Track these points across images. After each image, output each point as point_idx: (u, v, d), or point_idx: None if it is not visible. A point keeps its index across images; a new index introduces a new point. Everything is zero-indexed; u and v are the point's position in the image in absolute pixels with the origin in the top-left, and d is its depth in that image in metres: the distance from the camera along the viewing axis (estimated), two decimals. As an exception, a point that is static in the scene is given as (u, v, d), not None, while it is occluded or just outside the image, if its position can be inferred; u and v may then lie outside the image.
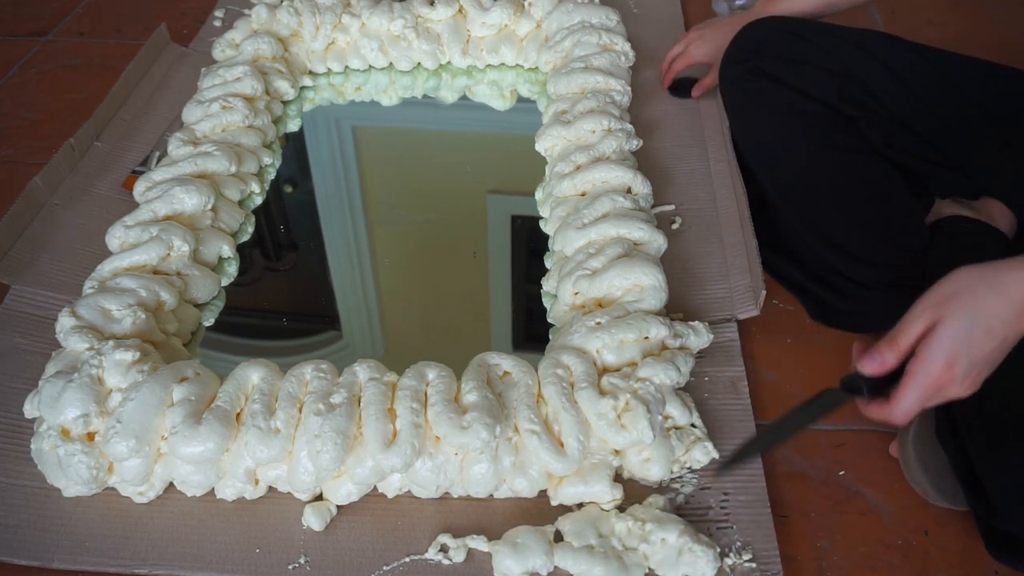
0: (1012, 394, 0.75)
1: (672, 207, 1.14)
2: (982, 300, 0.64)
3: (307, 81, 1.38)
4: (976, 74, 0.99)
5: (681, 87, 1.33)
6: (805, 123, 0.99)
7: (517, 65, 1.40)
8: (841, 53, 0.96)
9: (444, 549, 0.79)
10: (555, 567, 0.78)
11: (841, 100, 0.98)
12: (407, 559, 0.79)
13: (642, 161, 1.15)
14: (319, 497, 0.84)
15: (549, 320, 1.00)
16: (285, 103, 1.34)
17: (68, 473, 0.81)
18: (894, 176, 0.97)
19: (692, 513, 0.82)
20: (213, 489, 0.83)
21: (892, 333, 0.67)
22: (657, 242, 1.00)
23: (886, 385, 0.68)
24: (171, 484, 0.84)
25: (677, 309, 1.00)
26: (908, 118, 0.97)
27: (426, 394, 0.83)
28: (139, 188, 1.10)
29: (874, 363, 0.67)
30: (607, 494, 0.81)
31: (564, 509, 0.83)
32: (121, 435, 0.78)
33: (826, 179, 0.98)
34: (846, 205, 0.98)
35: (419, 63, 1.40)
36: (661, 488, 0.84)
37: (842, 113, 0.98)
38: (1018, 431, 0.74)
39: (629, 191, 1.06)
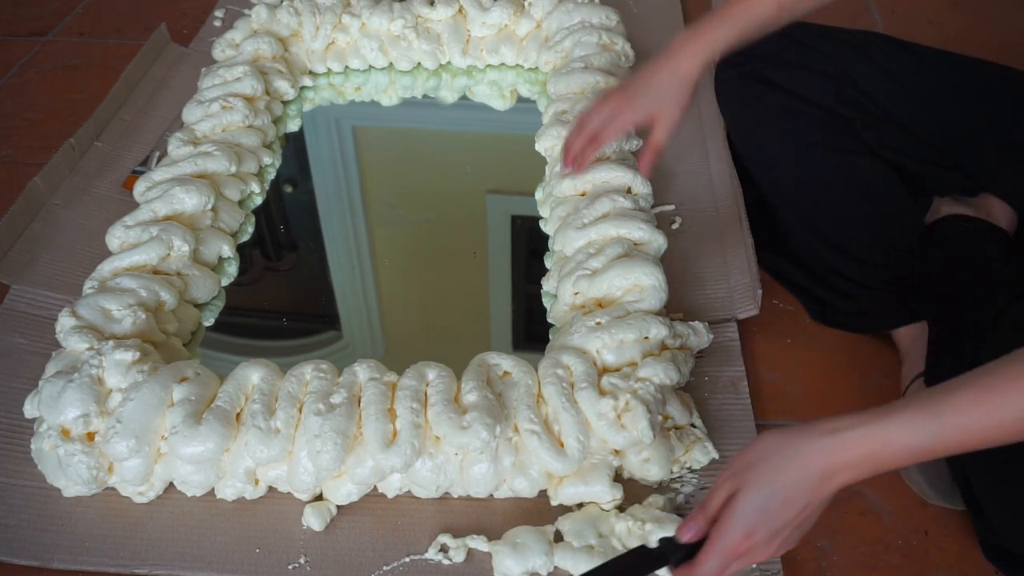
0: None
1: (672, 207, 1.14)
2: (779, 472, 0.63)
3: (307, 81, 1.38)
4: (973, 74, 0.99)
5: None
6: (801, 125, 0.99)
7: (517, 65, 1.40)
8: (837, 55, 0.96)
9: (444, 549, 0.79)
10: (555, 567, 0.78)
11: (837, 102, 0.98)
12: (407, 559, 0.79)
13: (642, 161, 1.15)
14: (319, 497, 0.84)
15: (549, 320, 1.00)
16: (285, 103, 1.34)
17: (68, 473, 0.81)
18: (891, 177, 0.97)
19: (692, 513, 0.82)
20: (213, 489, 0.83)
21: (703, 500, 0.67)
22: (657, 242, 1.00)
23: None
24: (171, 484, 0.84)
25: (677, 309, 1.00)
26: (905, 119, 0.97)
27: (426, 394, 0.83)
28: (139, 188, 1.10)
29: (688, 531, 0.67)
30: (607, 494, 0.81)
31: (564, 509, 0.83)
32: (121, 435, 0.78)
33: (823, 181, 0.98)
34: (844, 206, 0.98)
35: (419, 63, 1.40)
36: (661, 488, 0.84)
37: (839, 115, 0.98)
38: (1015, 452, 0.74)
39: (629, 191, 1.06)
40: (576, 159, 1.02)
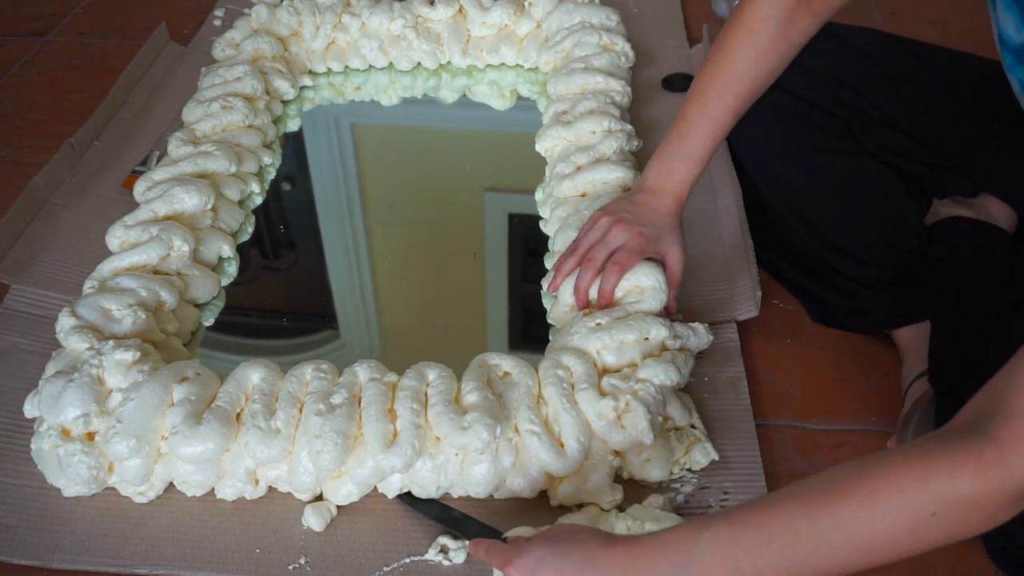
0: None
1: (672, 207, 1.14)
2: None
3: (307, 81, 1.38)
4: (973, 73, 0.99)
5: (676, 81, 1.34)
6: (800, 127, 0.99)
7: (517, 65, 1.40)
8: (836, 55, 0.96)
9: (444, 550, 0.79)
10: (555, 567, 0.78)
11: (836, 104, 0.98)
12: (407, 560, 0.79)
13: (642, 162, 1.15)
14: (319, 497, 0.84)
15: (549, 321, 1.00)
16: (285, 103, 1.34)
17: (68, 473, 0.81)
18: (891, 178, 0.97)
19: (692, 512, 0.82)
20: (213, 489, 0.83)
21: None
22: (657, 242, 0.99)
23: None
24: (171, 484, 0.84)
25: (677, 310, 1.00)
26: (903, 121, 0.97)
27: (426, 394, 0.83)
28: (139, 188, 1.10)
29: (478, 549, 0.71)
30: (607, 494, 0.81)
31: (564, 509, 0.83)
32: (121, 435, 0.78)
33: (824, 182, 0.98)
34: (844, 207, 0.98)
35: (419, 63, 1.40)
36: (661, 488, 0.84)
37: (837, 117, 0.98)
38: None
39: (629, 191, 1.06)
40: (600, 295, 0.93)
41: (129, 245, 1.01)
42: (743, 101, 0.89)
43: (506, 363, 0.86)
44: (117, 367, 0.83)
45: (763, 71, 0.88)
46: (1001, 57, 0.84)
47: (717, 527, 0.58)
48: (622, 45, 1.30)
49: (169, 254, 1.00)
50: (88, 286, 0.96)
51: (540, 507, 0.83)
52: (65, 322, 0.88)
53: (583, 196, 1.07)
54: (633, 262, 0.91)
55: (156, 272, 0.98)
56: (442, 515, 0.82)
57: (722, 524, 0.58)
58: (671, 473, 0.85)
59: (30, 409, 0.85)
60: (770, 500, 0.58)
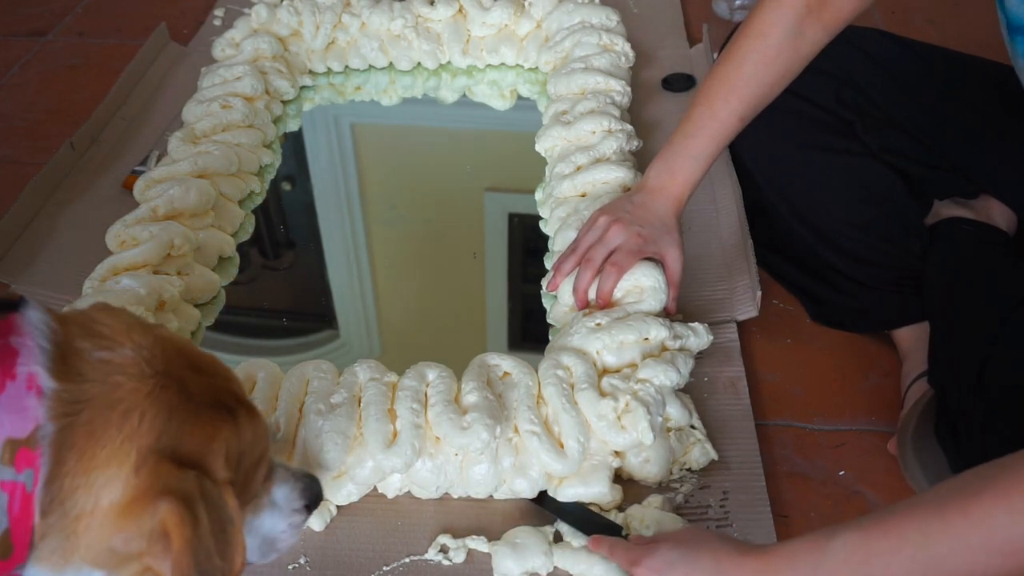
0: (1018, 406, 0.75)
1: (672, 207, 1.14)
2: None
3: (307, 81, 1.38)
4: (975, 73, 0.99)
5: (676, 82, 1.34)
6: (802, 126, 0.99)
7: (517, 65, 1.40)
8: (839, 55, 0.97)
9: (444, 550, 0.79)
10: (555, 567, 0.78)
11: (837, 103, 0.98)
12: (407, 559, 0.79)
13: (642, 162, 1.15)
14: (319, 497, 0.84)
15: (549, 321, 1.00)
16: (285, 103, 1.34)
17: (68, 473, 0.80)
18: (893, 178, 0.97)
19: (691, 512, 0.82)
20: (213, 489, 0.83)
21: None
22: (657, 242, 0.99)
23: None
24: (171, 484, 0.84)
25: (677, 310, 1.00)
26: (904, 121, 0.97)
27: (426, 394, 0.83)
28: (139, 187, 1.10)
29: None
30: (607, 495, 0.81)
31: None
32: (121, 435, 0.78)
33: (824, 181, 0.98)
34: (845, 207, 0.98)
35: (419, 63, 1.40)
36: (660, 488, 0.84)
37: (840, 117, 0.98)
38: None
39: (627, 191, 1.06)
40: (598, 296, 0.93)
41: (129, 244, 1.01)
42: (749, 106, 0.89)
43: (506, 363, 0.86)
44: (117, 367, 0.83)
45: (770, 77, 0.88)
46: (1010, 47, 0.83)
47: (847, 533, 0.57)
48: (622, 45, 1.30)
49: (169, 254, 1.00)
50: (88, 286, 0.96)
51: (540, 507, 0.83)
52: (65, 322, 0.88)
53: (583, 196, 1.07)
54: (631, 262, 0.91)
55: (156, 271, 0.98)
56: (560, 511, 0.81)
57: (852, 530, 0.57)
58: (671, 473, 0.85)
59: (30, 409, 0.85)
60: (901, 505, 0.57)
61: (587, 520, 0.80)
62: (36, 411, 0.49)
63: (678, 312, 0.97)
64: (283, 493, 0.64)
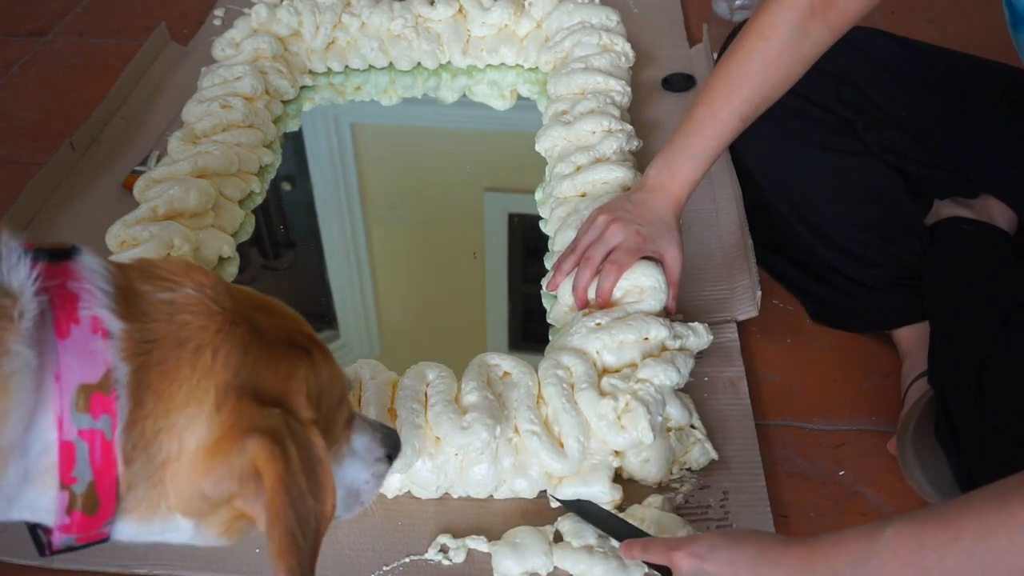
0: (1019, 406, 0.75)
1: (672, 207, 1.14)
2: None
3: (307, 80, 1.38)
4: (976, 73, 0.99)
5: (676, 82, 1.34)
6: (802, 125, 0.99)
7: (517, 65, 1.40)
8: (839, 55, 0.97)
9: (444, 550, 0.79)
10: (555, 567, 0.78)
11: (838, 103, 0.98)
12: (407, 559, 0.79)
13: (642, 161, 1.15)
14: (319, 497, 0.84)
15: (549, 321, 1.00)
16: (285, 103, 1.33)
17: (68, 473, 0.80)
18: (893, 178, 0.97)
19: (691, 512, 0.82)
20: (213, 489, 0.83)
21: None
22: (657, 242, 0.99)
23: None
24: (171, 484, 0.84)
25: (677, 310, 1.00)
26: (905, 120, 0.97)
27: (426, 394, 0.83)
28: (139, 187, 1.10)
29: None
30: (607, 495, 0.81)
31: (564, 510, 0.83)
32: (121, 435, 0.78)
33: (825, 182, 0.98)
34: (845, 207, 0.98)
35: (419, 63, 1.40)
36: (660, 488, 0.84)
37: (840, 116, 0.98)
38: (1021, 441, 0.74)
39: (627, 191, 1.06)
40: (597, 295, 0.93)
41: (129, 244, 1.01)
42: (750, 106, 0.89)
43: (506, 363, 0.86)
44: (117, 367, 0.83)
45: (773, 78, 0.88)
46: (1016, 41, 0.83)
47: (899, 523, 0.55)
48: (622, 45, 1.30)
49: (169, 254, 1.00)
50: (88, 286, 0.95)
51: (540, 507, 0.83)
52: (65, 322, 0.88)
53: (583, 196, 1.07)
54: (630, 261, 0.91)
55: (156, 272, 0.98)
56: (592, 516, 0.80)
57: (905, 521, 0.55)
58: (671, 473, 0.85)
59: (30, 409, 0.85)
60: (958, 498, 0.55)
61: (618, 526, 0.78)
62: (105, 354, 0.46)
63: (678, 312, 0.97)
64: (363, 442, 0.62)
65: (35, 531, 0.50)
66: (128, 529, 0.49)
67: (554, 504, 0.83)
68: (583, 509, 0.81)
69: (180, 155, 1.13)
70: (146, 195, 1.08)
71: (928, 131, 0.97)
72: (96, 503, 0.47)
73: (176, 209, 1.04)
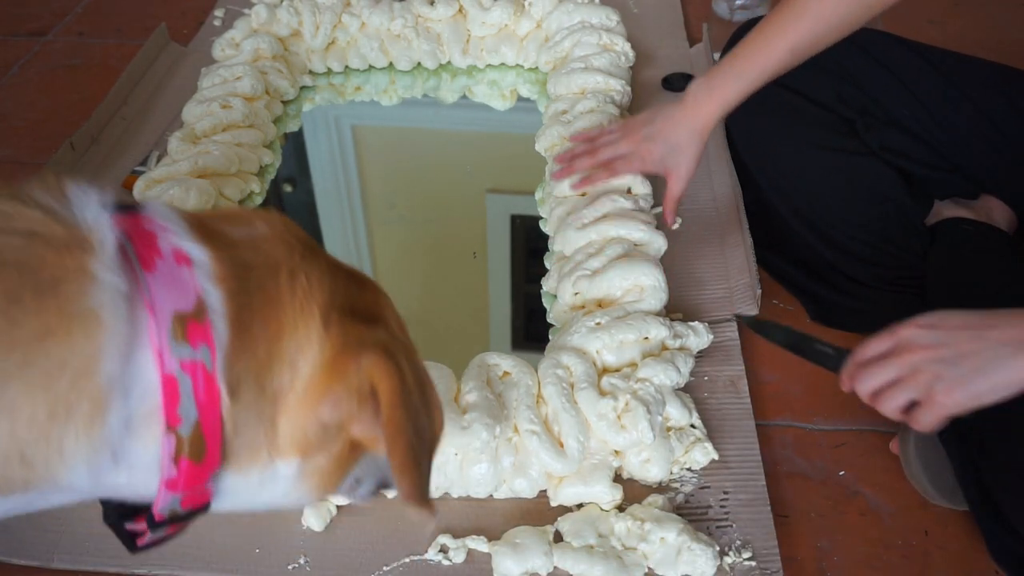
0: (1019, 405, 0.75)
1: (672, 207, 1.14)
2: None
3: (307, 81, 1.38)
4: (976, 73, 0.99)
5: (675, 81, 1.34)
6: (803, 124, 0.99)
7: (517, 65, 1.40)
8: (840, 54, 0.97)
9: (444, 550, 0.79)
10: (555, 567, 0.78)
11: (838, 101, 0.98)
12: (407, 559, 0.79)
13: (642, 161, 1.15)
14: (319, 497, 0.83)
15: (549, 320, 1.00)
16: (285, 103, 1.34)
17: (68, 473, 0.80)
18: (893, 178, 0.97)
19: (691, 512, 0.82)
20: (213, 489, 0.83)
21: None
22: (657, 243, 1.00)
23: None
24: (171, 484, 0.84)
25: (677, 309, 1.00)
26: (905, 119, 0.97)
27: (426, 394, 0.83)
28: (139, 187, 1.10)
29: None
30: (607, 494, 0.81)
31: (564, 509, 0.83)
32: (121, 435, 0.78)
33: (825, 181, 0.98)
34: (846, 207, 0.98)
35: (419, 63, 1.40)
36: (660, 488, 0.84)
37: (840, 115, 0.98)
38: None
39: (629, 191, 1.06)
40: (582, 174, 1.01)
41: (129, 245, 1.01)
42: (804, 41, 0.88)
43: (506, 363, 0.86)
44: (117, 367, 0.83)
45: (831, 16, 0.86)
46: None
47: None
48: (622, 45, 1.30)
49: (169, 254, 1.00)
50: (88, 286, 0.95)
51: (540, 507, 0.83)
52: (65, 322, 0.88)
53: (583, 195, 1.07)
54: (627, 169, 0.97)
55: (156, 272, 0.98)
56: (790, 341, 0.83)
57: None
58: (671, 473, 0.85)
59: (30, 409, 0.85)
60: None
61: (808, 346, 0.81)
62: (193, 282, 0.42)
63: (678, 311, 0.97)
64: None
65: (120, 524, 0.46)
66: (230, 486, 0.45)
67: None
68: (769, 331, 0.84)
69: (180, 155, 1.13)
70: (146, 195, 1.08)
71: (929, 131, 0.97)
72: (203, 447, 0.42)
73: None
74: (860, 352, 0.73)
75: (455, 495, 0.84)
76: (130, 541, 0.47)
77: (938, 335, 0.68)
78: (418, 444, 0.46)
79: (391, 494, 0.66)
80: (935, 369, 0.67)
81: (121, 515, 0.47)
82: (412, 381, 0.47)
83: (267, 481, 0.46)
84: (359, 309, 0.48)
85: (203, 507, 0.46)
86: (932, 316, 0.69)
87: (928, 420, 0.69)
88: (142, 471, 0.43)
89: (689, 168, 0.95)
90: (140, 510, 0.47)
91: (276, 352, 0.44)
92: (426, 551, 0.79)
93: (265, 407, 0.44)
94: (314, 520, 0.81)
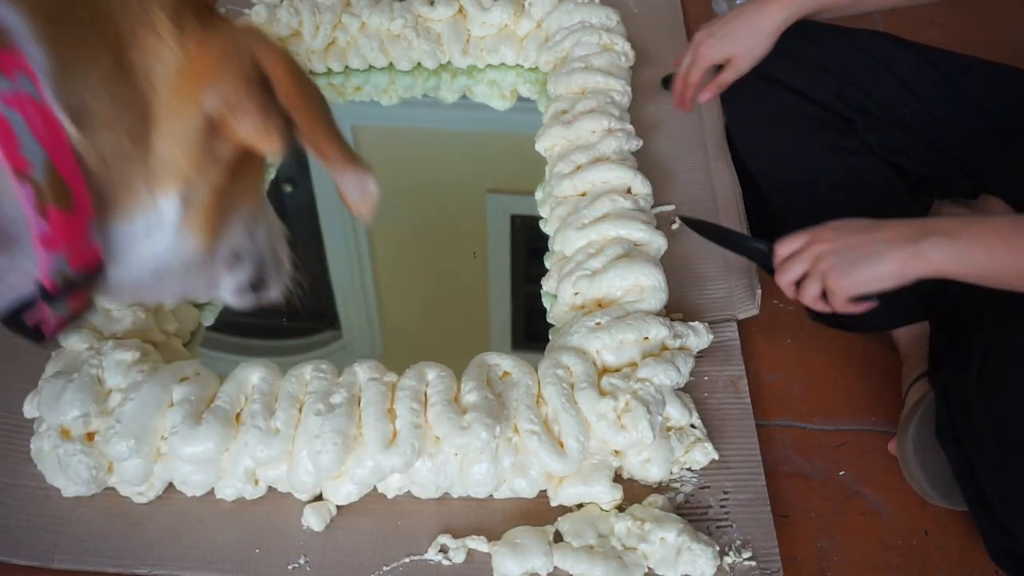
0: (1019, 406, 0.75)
1: (672, 207, 1.14)
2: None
3: (307, 81, 1.38)
4: (974, 73, 0.99)
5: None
6: (803, 124, 0.99)
7: (517, 65, 1.40)
8: (841, 53, 0.97)
9: (444, 550, 0.79)
10: (555, 567, 0.78)
11: (839, 101, 0.98)
12: (407, 559, 0.79)
13: (642, 161, 1.15)
14: (319, 497, 0.84)
15: (549, 320, 1.00)
16: (285, 103, 1.33)
17: (68, 473, 0.81)
18: (892, 177, 0.97)
19: (691, 512, 0.82)
20: (213, 489, 0.83)
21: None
22: (657, 243, 1.00)
23: None
24: (171, 484, 0.84)
25: (677, 309, 1.00)
26: (906, 119, 0.97)
27: (426, 394, 0.83)
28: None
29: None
30: (607, 494, 0.81)
31: (564, 509, 0.83)
32: (121, 435, 0.78)
33: (825, 180, 0.98)
34: (845, 206, 0.97)
35: (419, 63, 1.40)
36: (660, 488, 0.84)
37: (840, 115, 0.98)
38: None
39: (629, 191, 1.06)
40: (681, 100, 1.06)
41: (129, 245, 1.01)
42: None
43: (506, 363, 0.86)
44: (117, 367, 0.83)
45: None
46: None
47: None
48: (622, 45, 1.30)
49: (169, 254, 1.00)
50: (88, 286, 0.95)
51: (540, 507, 0.83)
52: (65, 322, 0.88)
53: (583, 195, 1.07)
54: (695, 74, 1.01)
55: (156, 272, 0.98)
56: (724, 238, 0.90)
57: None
58: (671, 473, 0.85)
59: (30, 409, 0.85)
60: None
61: (733, 240, 0.90)
62: None
63: (678, 311, 0.97)
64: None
65: (18, 318, 0.42)
66: (116, 238, 0.41)
67: (675, 227, 0.98)
68: (700, 226, 0.91)
69: (180, 155, 1.13)
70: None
71: (928, 131, 0.97)
72: (66, 191, 0.38)
73: (176, 209, 1.04)
74: (780, 248, 0.82)
75: (455, 495, 0.84)
76: (36, 334, 0.43)
77: (838, 233, 0.78)
78: (327, 112, 0.44)
79: (273, 291, 0.65)
80: (831, 259, 0.78)
81: (17, 311, 0.43)
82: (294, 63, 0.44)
83: (152, 227, 0.42)
84: (215, 6, 0.44)
85: (96, 268, 0.41)
86: (840, 220, 0.79)
87: (834, 304, 0.79)
88: (15, 235, 0.38)
89: (747, 62, 0.97)
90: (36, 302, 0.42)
91: (122, 64, 0.39)
92: (426, 550, 0.80)
93: (132, 125, 0.39)
94: (314, 520, 0.81)
